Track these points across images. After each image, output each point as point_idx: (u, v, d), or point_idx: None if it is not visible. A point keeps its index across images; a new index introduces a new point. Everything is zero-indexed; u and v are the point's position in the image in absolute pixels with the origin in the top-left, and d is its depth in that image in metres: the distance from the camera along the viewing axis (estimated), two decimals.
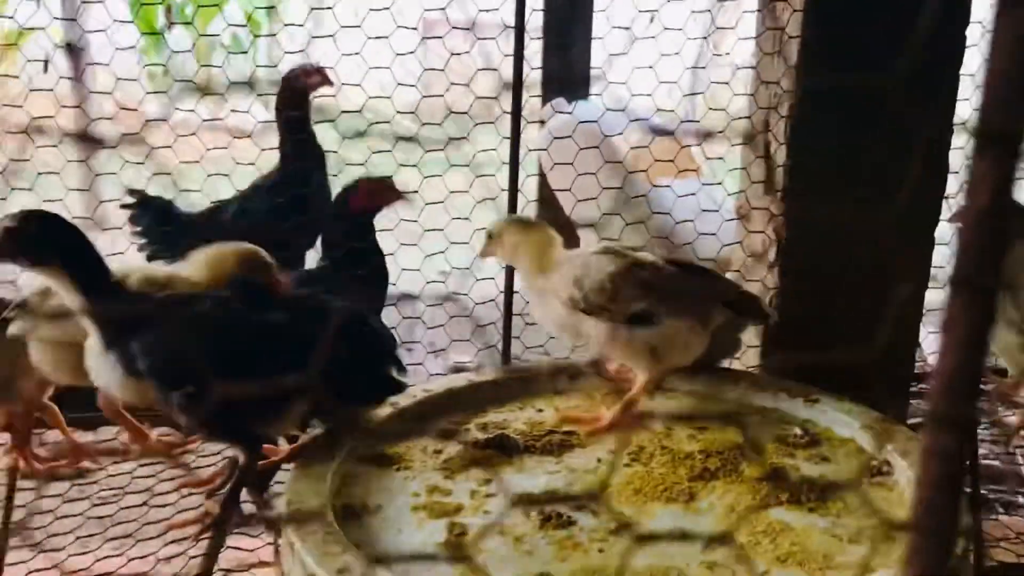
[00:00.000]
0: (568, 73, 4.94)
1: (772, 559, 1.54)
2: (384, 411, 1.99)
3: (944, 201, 2.47)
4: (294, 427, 1.96)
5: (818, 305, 2.42)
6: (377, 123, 2.86)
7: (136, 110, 2.88)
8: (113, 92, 2.84)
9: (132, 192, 2.66)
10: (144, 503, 2.37)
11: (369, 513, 1.67)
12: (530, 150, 3.51)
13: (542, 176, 4.73)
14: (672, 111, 3.35)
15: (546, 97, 4.76)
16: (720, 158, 3.79)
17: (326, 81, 2.73)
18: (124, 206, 2.67)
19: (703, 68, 3.46)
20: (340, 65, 2.64)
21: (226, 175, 2.66)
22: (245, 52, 4.97)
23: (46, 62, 3.44)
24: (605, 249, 2.11)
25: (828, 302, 2.42)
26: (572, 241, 3.08)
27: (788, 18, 2.23)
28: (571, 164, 2.88)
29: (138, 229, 2.69)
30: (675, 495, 1.75)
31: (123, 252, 2.57)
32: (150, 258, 2.65)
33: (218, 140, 2.77)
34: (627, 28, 2.78)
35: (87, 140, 2.66)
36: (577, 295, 2.00)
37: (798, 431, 2.00)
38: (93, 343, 1.77)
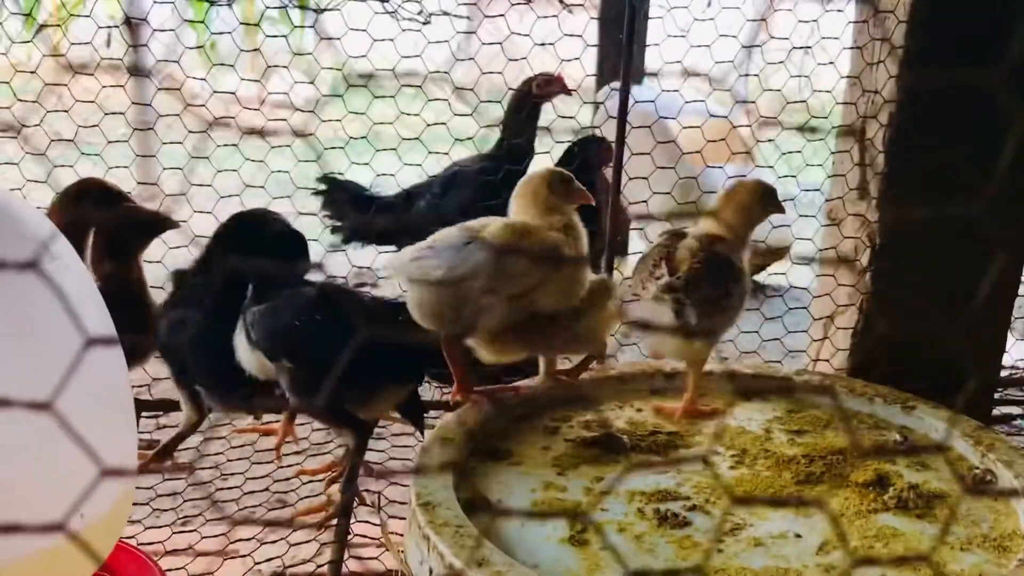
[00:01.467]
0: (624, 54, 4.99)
1: (887, 563, 1.59)
2: (491, 408, 2.06)
3: None
4: (388, 413, 2.04)
5: (909, 310, 2.46)
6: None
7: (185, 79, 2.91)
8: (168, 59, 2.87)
9: (323, 177, 2.72)
10: (211, 481, 2.45)
11: (491, 507, 1.75)
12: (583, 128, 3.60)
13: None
14: (727, 90, 3.37)
15: (602, 79, 4.84)
16: (771, 140, 3.81)
17: (564, 90, 2.80)
18: (316, 192, 2.72)
19: (757, 47, 3.50)
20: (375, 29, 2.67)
21: (287, 145, 2.69)
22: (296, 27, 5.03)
23: (109, 35, 3.54)
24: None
25: (919, 307, 2.45)
26: (622, 220, 3.14)
27: (893, 29, 2.26)
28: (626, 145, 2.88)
29: (329, 212, 2.74)
30: (784, 499, 1.80)
31: (185, 220, 2.61)
32: (344, 241, 2.70)
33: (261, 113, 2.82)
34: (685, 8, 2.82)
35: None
36: None
37: (897, 437, 2.04)
38: (238, 329, 1.91)
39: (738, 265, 2.06)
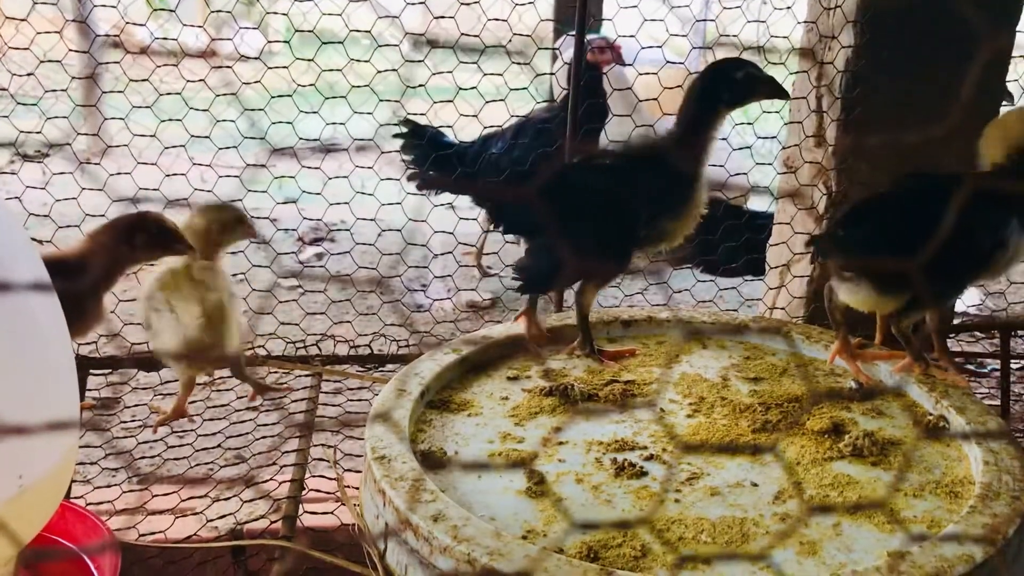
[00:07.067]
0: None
1: (842, 511, 1.60)
2: (448, 358, 2.03)
3: None
4: None
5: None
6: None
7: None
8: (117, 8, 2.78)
9: (404, 121, 2.76)
10: (162, 439, 2.40)
11: (447, 459, 1.73)
12: (537, 75, 3.60)
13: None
14: (684, 36, 3.36)
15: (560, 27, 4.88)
16: None
17: (617, 60, 2.92)
18: (396, 135, 2.76)
19: None
20: None
21: (233, 94, 2.63)
22: None
23: None
24: None
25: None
26: None
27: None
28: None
29: (409, 157, 2.80)
30: (740, 447, 1.80)
31: (128, 172, 2.54)
32: (419, 186, 2.76)
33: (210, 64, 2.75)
34: None
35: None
36: None
37: (852, 384, 2.05)
38: None
39: None
